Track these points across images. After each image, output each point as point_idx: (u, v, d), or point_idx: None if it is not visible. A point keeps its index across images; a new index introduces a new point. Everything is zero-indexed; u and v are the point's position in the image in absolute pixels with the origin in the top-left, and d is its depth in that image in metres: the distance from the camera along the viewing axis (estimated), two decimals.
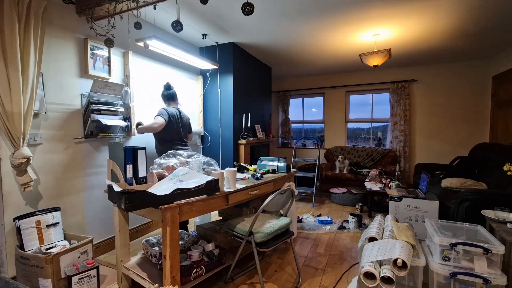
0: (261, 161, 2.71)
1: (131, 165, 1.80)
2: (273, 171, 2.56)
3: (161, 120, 2.36)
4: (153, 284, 1.69)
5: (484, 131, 4.50)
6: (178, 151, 2.04)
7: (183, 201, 1.56)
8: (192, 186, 1.61)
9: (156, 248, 1.92)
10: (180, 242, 2.08)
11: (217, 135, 3.70)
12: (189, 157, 2.03)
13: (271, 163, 2.64)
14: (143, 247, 2.04)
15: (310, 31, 3.18)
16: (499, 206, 1.95)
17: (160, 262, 1.85)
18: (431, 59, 4.43)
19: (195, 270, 1.76)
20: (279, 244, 1.87)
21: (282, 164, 2.58)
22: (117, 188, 1.52)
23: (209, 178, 1.72)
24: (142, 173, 1.85)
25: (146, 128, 2.36)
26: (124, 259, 1.91)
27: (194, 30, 3.12)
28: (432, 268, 1.72)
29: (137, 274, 1.79)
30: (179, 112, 2.58)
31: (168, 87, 2.61)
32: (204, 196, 1.68)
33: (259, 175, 2.31)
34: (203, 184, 1.65)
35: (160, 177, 1.83)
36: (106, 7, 2.05)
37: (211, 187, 1.70)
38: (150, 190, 1.56)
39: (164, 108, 2.46)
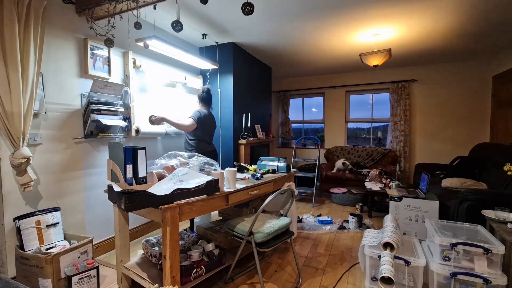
0: (261, 161, 2.72)
1: (131, 165, 1.79)
2: (273, 171, 2.56)
3: (191, 122, 2.64)
4: (153, 284, 1.69)
5: (484, 131, 4.49)
6: (179, 152, 2.05)
7: (183, 201, 1.56)
8: (192, 186, 1.61)
9: (156, 248, 1.92)
10: (180, 242, 2.08)
11: (217, 135, 3.69)
12: (189, 157, 2.03)
13: (271, 163, 2.65)
14: (143, 247, 2.04)
15: (310, 31, 3.18)
16: (499, 206, 1.95)
17: (160, 262, 1.84)
18: (431, 59, 4.43)
19: (195, 270, 1.76)
20: (279, 244, 1.87)
21: (282, 164, 2.59)
22: (117, 188, 1.52)
23: (209, 178, 1.72)
24: (142, 173, 1.83)
25: (177, 125, 2.61)
26: (124, 259, 1.91)
27: (194, 30, 3.12)
28: (432, 268, 1.71)
29: (137, 274, 1.79)
30: (210, 114, 2.87)
31: (207, 90, 2.85)
32: (204, 196, 1.68)
33: (259, 175, 2.31)
34: (203, 184, 1.65)
35: (160, 177, 1.83)
36: (106, 7, 2.05)
37: (211, 187, 1.70)
38: (150, 190, 1.56)
39: (198, 111, 2.70)
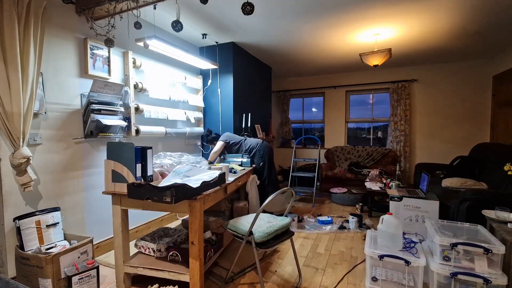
0: (226, 155, 3.14)
1: (140, 164, 1.82)
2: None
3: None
4: (173, 273, 1.79)
5: (485, 131, 4.49)
6: (168, 152, 2.28)
7: (206, 192, 1.77)
8: (210, 179, 1.84)
9: (161, 242, 2.05)
10: (173, 237, 2.20)
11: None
12: (180, 156, 2.20)
13: (235, 159, 3.05)
14: (138, 246, 2.08)
15: (310, 31, 3.18)
16: (500, 206, 1.94)
17: (170, 253, 1.94)
18: (432, 58, 4.43)
19: (208, 253, 1.98)
20: (279, 244, 1.87)
21: (245, 159, 3.00)
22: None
23: (218, 172, 1.98)
24: (150, 171, 1.89)
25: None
26: (126, 259, 1.91)
27: (194, 30, 3.12)
28: (432, 268, 1.71)
29: (149, 268, 1.84)
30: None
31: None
32: (218, 187, 1.94)
33: (233, 169, 2.70)
34: (217, 177, 1.91)
35: (162, 175, 1.93)
36: (106, 7, 2.04)
37: (222, 179, 1.99)
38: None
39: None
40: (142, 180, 1.81)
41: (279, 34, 3.26)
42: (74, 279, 1.69)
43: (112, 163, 1.81)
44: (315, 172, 4.22)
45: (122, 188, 1.77)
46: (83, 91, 2.24)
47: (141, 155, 1.84)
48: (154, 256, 2.01)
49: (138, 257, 2.02)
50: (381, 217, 1.94)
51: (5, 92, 1.66)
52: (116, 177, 1.82)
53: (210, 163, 2.85)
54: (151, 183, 1.73)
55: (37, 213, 1.87)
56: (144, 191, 1.63)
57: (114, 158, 1.83)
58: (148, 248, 2.03)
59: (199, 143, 3.75)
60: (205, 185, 1.77)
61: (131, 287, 1.94)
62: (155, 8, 2.10)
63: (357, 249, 2.54)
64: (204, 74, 3.69)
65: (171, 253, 1.94)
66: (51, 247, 1.85)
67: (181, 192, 1.60)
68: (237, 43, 3.61)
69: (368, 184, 3.67)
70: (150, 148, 1.87)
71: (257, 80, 4.40)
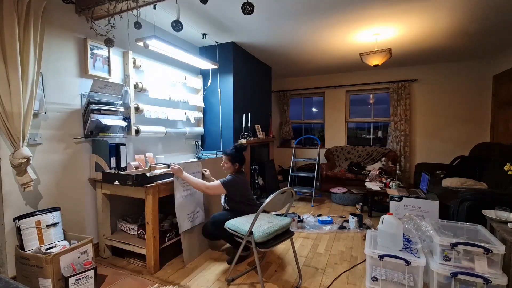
0: (202, 154, 3.46)
1: (114, 158, 2.29)
2: None
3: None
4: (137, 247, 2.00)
5: (485, 131, 4.49)
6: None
7: (160, 182, 2.13)
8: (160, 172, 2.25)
9: (134, 224, 2.38)
10: None
11: (217, 135, 3.69)
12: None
13: (210, 155, 3.34)
14: (121, 224, 2.47)
15: (310, 31, 3.17)
16: (500, 206, 1.94)
17: (139, 231, 2.32)
18: (432, 58, 4.43)
19: (168, 234, 2.31)
20: (279, 244, 1.87)
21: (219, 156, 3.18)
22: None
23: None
24: (123, 163, 2.37)
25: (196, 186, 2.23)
26: (106, 233, 2.34)
27: (194, 30, 3.11)
28: (432, 268, 1.71)
29: (120, 242, 2.25)
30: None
31: (241, 148, 2.36)
32: (171, 179, 2.22)
33: None
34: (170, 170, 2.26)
35: (137, 167, 2.47)
36: (106, 6, 2.04)
37: None
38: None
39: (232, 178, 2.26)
40: (117, 170, 2.26)
41: (279, 34, 3.26)
42: (71, 280, 1.69)
43: (95, 156, 2.28)
44: (315, 172, 4.22)
45: (101, 176, 2.24)
46: (83, 91, 2.24)
47: (115, 150, 2.30)
48: (130, 233, 2.39)
49: (118, 232, 2.45)
50: (381, 217, 1.94)
51: (5, 92, 1.66)
52: (98, 167, 2.26)
53: None
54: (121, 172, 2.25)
55: (37, 213, 1.87)
56: (113, 178, 2.13)
57: (97, 152, 2.27)
58: (127, 227, 2.42)
59: (199, 143, 3.75)
60: (161, 175, 2.20)
61: (112, 255, 2.38)
62: (155, 8, 2.10)
63: (357, 249, 2.54)
64: (204, 74, 3.69)
65: (139, 231, 2.32)
66: (51, 247, 1.85)
67: (140, 179, 2.01)
68: (237, 43, 3.61)
69: (368, 184, 3.67)
70: (124, 145, 2.38)
71: (257, 80, 4.40)
